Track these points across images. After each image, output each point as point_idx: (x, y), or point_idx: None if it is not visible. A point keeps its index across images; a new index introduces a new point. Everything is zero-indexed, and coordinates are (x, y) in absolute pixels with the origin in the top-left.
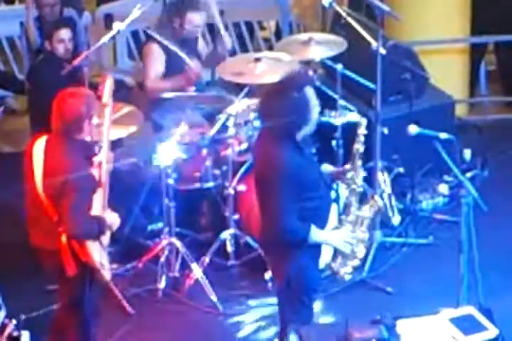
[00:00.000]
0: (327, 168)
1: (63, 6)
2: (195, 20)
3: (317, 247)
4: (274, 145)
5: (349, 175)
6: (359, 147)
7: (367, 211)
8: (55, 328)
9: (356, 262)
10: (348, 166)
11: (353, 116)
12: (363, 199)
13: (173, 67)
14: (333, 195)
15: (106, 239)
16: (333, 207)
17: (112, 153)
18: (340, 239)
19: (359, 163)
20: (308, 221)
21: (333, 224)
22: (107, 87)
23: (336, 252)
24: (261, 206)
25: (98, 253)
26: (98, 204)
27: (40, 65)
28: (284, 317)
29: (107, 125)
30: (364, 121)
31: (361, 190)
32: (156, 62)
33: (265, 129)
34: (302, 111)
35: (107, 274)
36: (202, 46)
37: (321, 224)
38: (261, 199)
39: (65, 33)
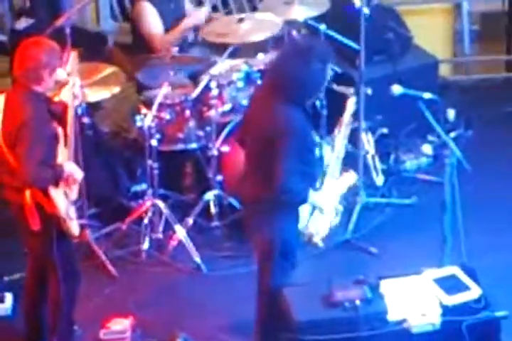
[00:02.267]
0: None
1: None
2: None
3: (298, 211)
4: (284, 107)
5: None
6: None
7: (341, 184)
8: (29, 289)
9: (326, 231)
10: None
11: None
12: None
13: (165, 22)
14: None
15: (72, 193)
16: None
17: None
18: (326, 199)
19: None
20: (306, 183)
21: None
22: (71, 58)
23: (309, 219)
24: (258, 166)
25: (64, 204)
26: (61, 156)
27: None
28: (261, 279)
29: (71, 93)
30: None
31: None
32: (154, 19)
33: (271, 89)
34: (320, 82)
35: (75, 226)
36: (188, 5)
37: (313, 187)
38: (260, 159)
39: None
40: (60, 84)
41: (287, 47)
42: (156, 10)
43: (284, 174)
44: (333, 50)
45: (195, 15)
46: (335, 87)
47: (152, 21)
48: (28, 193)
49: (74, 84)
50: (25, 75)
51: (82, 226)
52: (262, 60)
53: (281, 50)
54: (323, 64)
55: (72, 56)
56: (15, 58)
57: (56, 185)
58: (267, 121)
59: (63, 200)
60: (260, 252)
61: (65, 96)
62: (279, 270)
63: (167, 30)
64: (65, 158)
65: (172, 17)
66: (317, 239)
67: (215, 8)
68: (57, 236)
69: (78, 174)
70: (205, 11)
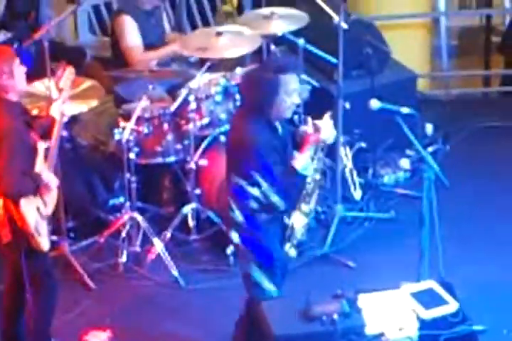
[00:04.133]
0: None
1: None
2: None
3: (277, 220)
4: (246, 121)
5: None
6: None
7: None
8: (6, 301)
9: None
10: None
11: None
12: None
13: (147, 37)
14: None
15: (47, 208)
16: None
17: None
18: (302, 223)
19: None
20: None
21: None
22: (66, 74)
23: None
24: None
25: (34, 218)
26: (40, 165)
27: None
28: (249, 290)
29: (61, 107)
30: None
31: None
32: (134, 33)
33: (241, 105)
34: (269, 92)
35: (44, 242)
36: (166, 22)
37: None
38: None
39: None
40: (43, 99)
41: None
42: (136, 24)
43: (232, 190)
44: (306, 65)
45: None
46: None
47: (132, 35)
48: (0, 204)
49: (64, 100)
50: None
51: (58, 241)
52: (240, 73)
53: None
54: (277, 73)
55: (68, 72)
56: None
57: (35, 193)
58: (231, 134)
59: (34, 215)
60: (240, 262)
61: (53, 111)
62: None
63: (147, 45)
64: (43, 160)
65: (153, 32)
66: (287, 248)
67: None
68: (29, 250)
69: (53, 182)
70: None
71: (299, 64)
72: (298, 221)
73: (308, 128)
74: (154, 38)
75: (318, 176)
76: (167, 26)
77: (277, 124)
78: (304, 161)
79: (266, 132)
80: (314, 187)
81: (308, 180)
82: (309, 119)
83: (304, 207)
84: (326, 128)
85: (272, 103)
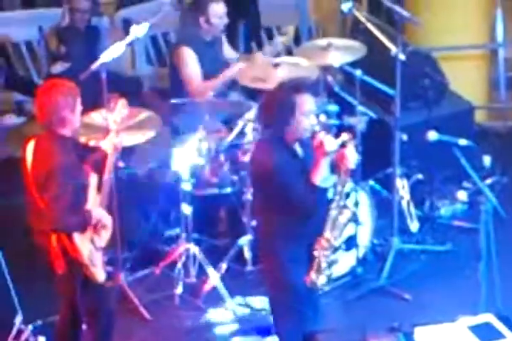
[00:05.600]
0: None
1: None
2: (218, 10)
3: (298, 252)
4: (263, 142)
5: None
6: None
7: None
8: (61, 333)
9: (329, 271)
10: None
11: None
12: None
13: (207, 68)
14: None
15: (101, 240)
16: None
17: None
18: (326, 253)
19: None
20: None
21: None
22: (119, 107)
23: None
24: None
25: (87, 250)
26: (92, 202)
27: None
28: (274, 320)
29: (114, 141)
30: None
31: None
32: (194, 65)
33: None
34: (284, 113)
35: (99, 273)
36: (228, 50)
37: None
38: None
39: None
40: (100, 129)
41: None
42: (196, 56)
43: (256, 212)
44: (363, 96)
45: (237, 66)
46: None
47: (192, 66)
48: (54, 237)
49: (117, 134)
50: (49, 120)
51: (114, 271)
52: None
53: None
54: (288, 94)
55: (120, 105)
56: (35, 106)
57: (84, 230)
58: (251, 157)
59: (87, 246)
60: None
61: (105, 145)
62: (287, 310)
63: (206, 76)
64: (95, 204)
65: (212, 63)
66: (319, 284)
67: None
68: (84, 281)
69: (107, 219)
70: (247, 63)
71: (318, 85)
72: (322, 250)
73: (315, 141)
74: (214, 69)
75: (342, 202)
76: (229, 52)
77: (297, 146)
78: (320, 174)
79: (283, 153)
80: (341, 216)
81: (333, 205)
82: (320, 134)
83: (328, 235)
84: (330, 142)
85: (287, 124)
